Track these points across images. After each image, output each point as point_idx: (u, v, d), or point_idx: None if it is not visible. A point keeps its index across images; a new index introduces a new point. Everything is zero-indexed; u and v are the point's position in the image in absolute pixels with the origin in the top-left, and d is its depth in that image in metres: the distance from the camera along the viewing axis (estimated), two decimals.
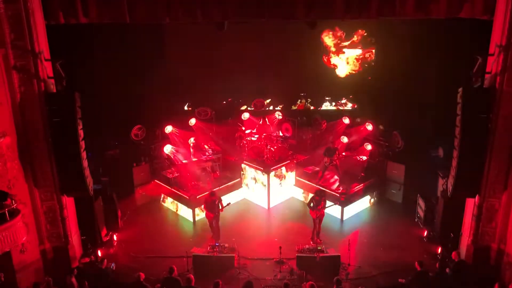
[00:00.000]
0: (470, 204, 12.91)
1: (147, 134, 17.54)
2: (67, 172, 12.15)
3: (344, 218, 15.71)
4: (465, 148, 11.66)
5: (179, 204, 16.21)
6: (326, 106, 20.71)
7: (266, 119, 18.00)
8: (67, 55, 12.49)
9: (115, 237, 14.63)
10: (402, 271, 12.43)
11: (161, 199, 16.90)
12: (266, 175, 16.23)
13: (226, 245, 13.39)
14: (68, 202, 13.02)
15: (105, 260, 12.58)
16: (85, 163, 12.28)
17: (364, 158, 16.57)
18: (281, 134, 17.69)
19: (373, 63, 19.70)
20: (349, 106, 20.51)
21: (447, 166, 13.02)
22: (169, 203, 16.68)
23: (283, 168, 16.78)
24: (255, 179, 16.74)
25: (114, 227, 15.13)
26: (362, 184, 16.51)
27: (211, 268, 12.76)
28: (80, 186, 12.29)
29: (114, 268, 12.88)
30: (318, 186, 15.93)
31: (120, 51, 17.59)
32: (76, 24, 12.03)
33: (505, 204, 12.14)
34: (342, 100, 20.48)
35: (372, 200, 16.65)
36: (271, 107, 20.56)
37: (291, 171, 17.07)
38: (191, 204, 15.76)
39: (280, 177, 16.75)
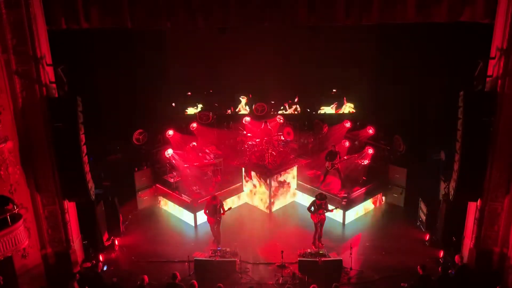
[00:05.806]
0: (472, 208, 12.88)
1: (149, 139, 17.57)
2: (69, 176, 12.16)
3: (346, 222, 15.69)
4: (467, 151, 11.64)
5: (180, 208, 16.18)
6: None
7: (268, 123, 17.99)
8: (69, 60, 12.52)
9: (116, 242, 14.61)
10: (404, 275, 12.45)
11: (159, 202, 16.91)
12: (268, 179, 16.23)
13: (228, 249, 13.35)
14: (70, 207, 13.03)
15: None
16: (87, 167, 12.30)
17: (366, 162, 16.54)
18: (282, 138, 17.67)
19: None
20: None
21: (449, 169, 13.00)
22: (169, 206, 16.67)
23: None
24: (256, 183, 16.75)
25: (116, 231, 15.11)
26: (363, 188, 16.49)
27: (213, 272, 12.75)
28: (81, 190, 12.30)
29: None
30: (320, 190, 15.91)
31: (121, 55, 17.63)
32: (78, 29, 12.09)
33: (508, 207, 12.12)
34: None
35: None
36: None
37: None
38: (192, 208, 15.75)
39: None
